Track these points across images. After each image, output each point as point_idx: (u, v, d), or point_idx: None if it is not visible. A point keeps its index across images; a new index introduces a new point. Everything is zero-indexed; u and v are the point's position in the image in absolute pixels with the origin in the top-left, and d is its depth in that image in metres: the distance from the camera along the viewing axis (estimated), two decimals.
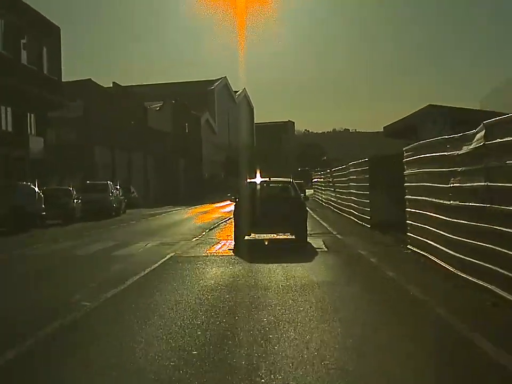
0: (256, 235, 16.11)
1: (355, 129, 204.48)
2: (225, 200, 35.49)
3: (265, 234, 16.18)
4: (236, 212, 15.32)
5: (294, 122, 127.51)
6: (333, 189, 29.85)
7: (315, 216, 26.53)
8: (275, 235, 16.49)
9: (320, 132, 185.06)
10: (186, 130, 63.17)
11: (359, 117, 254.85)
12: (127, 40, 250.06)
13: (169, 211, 36.19)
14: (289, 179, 17.82)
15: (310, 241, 15.62)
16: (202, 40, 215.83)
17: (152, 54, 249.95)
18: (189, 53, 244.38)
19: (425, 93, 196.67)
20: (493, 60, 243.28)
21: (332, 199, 30.68)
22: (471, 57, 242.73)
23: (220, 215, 30.38)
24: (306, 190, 67.86)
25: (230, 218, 22.36)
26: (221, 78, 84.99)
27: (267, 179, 17.19)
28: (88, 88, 39.14)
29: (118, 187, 32.95)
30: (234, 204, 15.85)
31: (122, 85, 47.88)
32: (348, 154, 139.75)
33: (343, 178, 26.68)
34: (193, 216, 31.00)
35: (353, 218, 22.84)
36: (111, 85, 45.72)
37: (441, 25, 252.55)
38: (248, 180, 18.14)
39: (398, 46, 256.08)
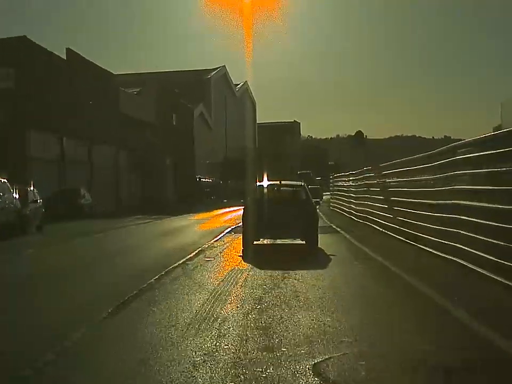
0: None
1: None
2: (224, 207, 32.62)
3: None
4: (244, 217, 14.57)
5: (299, 123, 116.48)
6: (382, 198, 18.44)
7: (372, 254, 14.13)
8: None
9: (324, 137, 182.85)
10: (174, 123, 51.98)
11: (364, 123, 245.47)
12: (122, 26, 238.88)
13: (133, 224, 25.24)
14: (301, 183, 16.79)
15: None
16: (208, 39, 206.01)
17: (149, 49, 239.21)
18: (192, 52, 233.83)
19: (431, 101, 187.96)
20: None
21: (376, 213, 19.32)
22: (481, 66, 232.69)
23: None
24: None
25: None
26: (219, 67, 73.92)
27: (277, 182, 16.42)
28: (24, 50, 27.98)
29: (33, 189, 21.44)
30: (243, 208, 15.38)
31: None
32: (354, 159, 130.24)
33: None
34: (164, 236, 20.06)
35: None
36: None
37: (450, 30, 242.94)
38: (258, 183, 17.28)
39: (405, 49, 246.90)
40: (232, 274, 10.32)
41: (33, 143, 28.60)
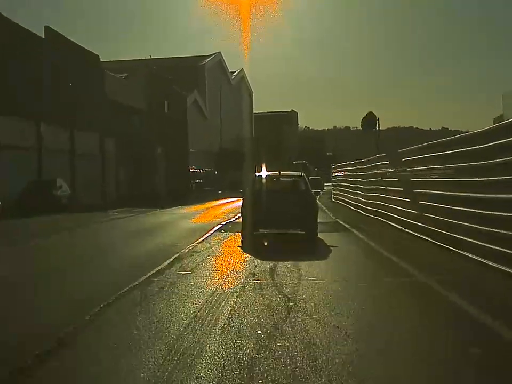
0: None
1: (356, 127, 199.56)
2: (219, 199, 31.17)
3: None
4: (243, 208, 14.52)
5: (297, 113, 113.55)
6: (401, 189, 15.52)
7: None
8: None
9: (321, 128, 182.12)
10: (166, 110, 49.06)
11: (361, 115, 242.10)
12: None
13: (112, 219, 22.51)
14: (300, 173, 16.43)
15: None
16: (205, 30, 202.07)
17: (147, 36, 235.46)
18: (188, 43, 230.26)
19: (428, 93, 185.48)
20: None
21: (393, 207, 16.44)
22: (480, 56, 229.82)
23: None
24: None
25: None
26: (214, 54, 70.91)
27: (276, 173, 16.00)
28: None
29: None
30: (242, 199, 15.14)
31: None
32: (352, 151, 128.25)
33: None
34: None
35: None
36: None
37: (448, 28, 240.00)
38: (257, 174, 16.42)
39: (404, 45, 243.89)
40: (212, 303, 7.00)
41: (1, 129, 25.60)
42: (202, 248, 12.68)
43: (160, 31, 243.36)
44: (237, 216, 23.10)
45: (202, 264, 10.34)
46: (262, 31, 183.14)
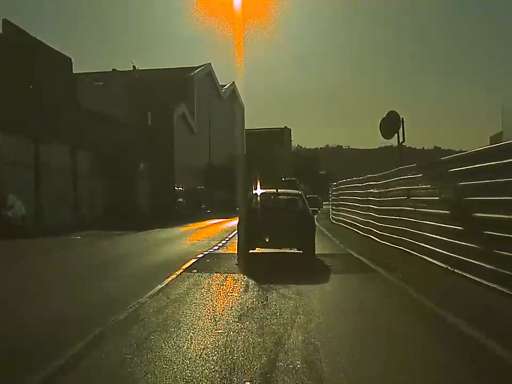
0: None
1: (348, 146, 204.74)
2: (207, 220, 29.97)
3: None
4: (240, 225, 14.58)
5: (290, 130, 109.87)
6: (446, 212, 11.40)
7: None
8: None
9: (313, 147, 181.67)
10: (149, 122, 45.06)
11: (353, 134, 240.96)
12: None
13: (58, 247, 18.37)
14: (298, 191, 16.79)
15: None
16: (196, 43, 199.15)
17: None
18: (179, 56, 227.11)
19: (421, 111, 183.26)
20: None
21: (436, 238, 12.21)
22: (472, 75, 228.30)
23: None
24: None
25: None
26: (204, 65, 67.16)
27: (274, 191, 16.17)
28: None
29: None
30: (239, 216, 15.33)
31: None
32: (344, 170, 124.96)
33: None
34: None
35: None
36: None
37: (444, 42, 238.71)
38: (253, 191, 16.18)
39: (396, 60, 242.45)
40: None
41: None
42: (154, 309, 8.02)
43: (147, 43, 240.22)
44: (222, 243, 19.20)
45: (143, 346, 5.95)
46: (255, 45, 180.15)
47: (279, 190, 16.19)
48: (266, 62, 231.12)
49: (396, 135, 16.03)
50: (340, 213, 30.20)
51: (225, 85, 75.44)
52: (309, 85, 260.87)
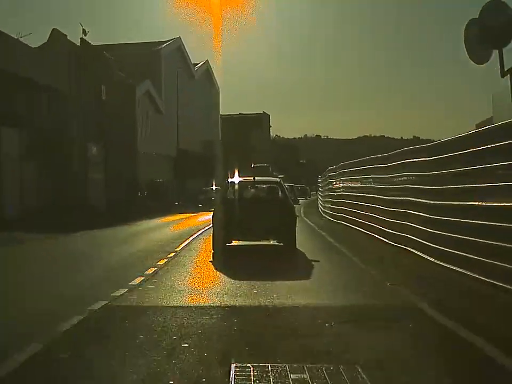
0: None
1: (327, 136, 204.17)
2: (174, 214, 27.40)
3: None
4: (214, 217, 13.78)
5: (269, 115, 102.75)
6: None
7: None
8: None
9: (291, 137, 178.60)
10: (103, 97, 37.68)
11: (331, 124, 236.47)
12: None
13: None
14: (277, 179, 16.18)
15: None
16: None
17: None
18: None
19: (400, 101, 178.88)
20: None
21: None
22: (454, 65, 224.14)
23: None
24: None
25: None
26: (173, 39, 59.74)
27: (251, 179, 15.22)
28: None
29: None
30: (215, 207, 14.54)
31: None
32: (324, 160, 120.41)
33: None
34: None
35: None
36: None
37: (419, 30, 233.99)
38: (229, 180, 15.49)
39: (375, 50, 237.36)
40: None
41: None
42: None
43: (110, 17, 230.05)
44: (177, 252, 14.04)
45: None
46: (232, 30, 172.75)
47: (256, 178, 15.25)
48: (243, 49, 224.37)
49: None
50: (337, 208, 23.31)
51: (197, 64, 68.04)
52: (287, 73, 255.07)
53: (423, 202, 10.60)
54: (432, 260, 10.10)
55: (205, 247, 14.54)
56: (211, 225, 14.01)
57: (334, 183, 23.82)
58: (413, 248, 11.47)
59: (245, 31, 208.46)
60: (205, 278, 10.13)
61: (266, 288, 8.71)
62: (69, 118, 32.09)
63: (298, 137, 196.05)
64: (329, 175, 26.17)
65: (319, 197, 38.01)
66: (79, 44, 35.19)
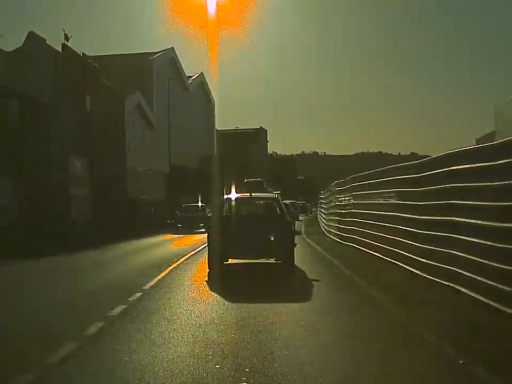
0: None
1: (324, 152, 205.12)
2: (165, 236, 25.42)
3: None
4: (210, 234, 13.45)
5: (266, 131, 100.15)
6: None
7: None
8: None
9: (289, 154, 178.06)
10: (88, 108, 34.94)
11: (329, 140, 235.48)
12: None
13: None
14: (274, 195, 15.62)
15: None
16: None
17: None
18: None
19: (397, 117, 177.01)
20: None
21: None
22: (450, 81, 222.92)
23: None
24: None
25: None
26: (165, 49, 57.19)
27: (247, 195, 14.94)
28: None
29: None
30: (211, 225, 14.09)
31: None
32: (321, 176, 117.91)
33: None
34: None
35: None
36: None
37: (425, 51, 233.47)
38: (225, 196, 16.13)
39: (373, 67, 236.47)
40: None
41: None
42: None
43: (99, 29, 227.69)
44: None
45: None
46: (228, 44, 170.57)
47: (253, 194, 14.96)
48: (239, 64, 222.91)
49: None
50: (346, 228, 20.37)
51: (192, 76, 65.49)
52: (284, 89, 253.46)
53: (478, 224, 7.75)
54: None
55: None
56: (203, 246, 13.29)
57: (342, 198, 21.00)
58: (464, 287, 8.45)
59: (241, 45, 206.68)
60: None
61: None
62: (49, 130, 29.34)
63: (296, 154, 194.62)
64: (336, 190, 23.36)
65: (321, 214, 35.22)
66: (60, 50, 32.54)
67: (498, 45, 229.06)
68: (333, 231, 24.07)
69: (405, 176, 11.35)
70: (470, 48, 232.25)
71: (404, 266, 11.70)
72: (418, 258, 10.59)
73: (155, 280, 11.82)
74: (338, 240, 21.66)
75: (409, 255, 11.20)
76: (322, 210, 33.81)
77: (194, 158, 62.25)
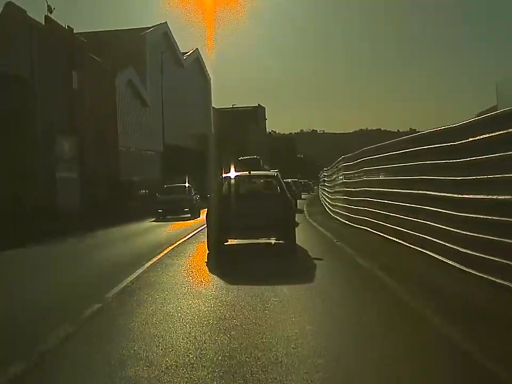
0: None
1: (323, 130, 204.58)
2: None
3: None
4: (209, 215, 12.99)
5: (264, 108, 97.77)
6: None
7: None
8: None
9: (287, 132, 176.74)
10: (75, 85, 32.83)
11: (327, 118, 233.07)
12: None
13: None
14: (274, 173, 15.60)
15: None
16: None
17: None
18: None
19: (396, 93, 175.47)
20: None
21: None
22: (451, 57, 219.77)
23: None
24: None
25: None
26: (158, 24, 54.79)
27: (246, 173, 14.24)
28: None
29: None
30: (209, 205, 13.80)
31: None
32: (321, 154, 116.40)
33: None
34: None
35: None
36: None
37: (415, 21, 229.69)
38: (224, 175, 14.94)
39: (370, 43, 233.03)
40: None
41: None
42: None
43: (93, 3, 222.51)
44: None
45: None
46: (225, 20, 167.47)
47: (252, 173, 14.24)
48: (236, 42, 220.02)
49: None
50: (355, 207, 18.42)
51: (187, 52, 63.06)
52: (282, 67, 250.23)
53: None
54: None
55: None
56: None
57: (352, 175, 18.97)
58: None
59: (239, 22, 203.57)
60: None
61: None
62: (31, 108, 27.29)
63: (294, 132, 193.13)
64: (343, 166, 21.35)
65: (324, 193, 33.32)
66: (43, 23, 30.35)
67: (499, 21, 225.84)
68: (340, 211, 22.16)
69: (443, 145, 9.15)
70: (471, 24, 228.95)
71: (436, 256, 9.72)
72: (459, 248, 8.55)
73: (114, 291, 9.91)
74: (346, 222, 19.74)
75: (445, 243, 9.21)
76: (326, 189, 31.87)
77: (190, 136, 60.09)
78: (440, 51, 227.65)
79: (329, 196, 27.90)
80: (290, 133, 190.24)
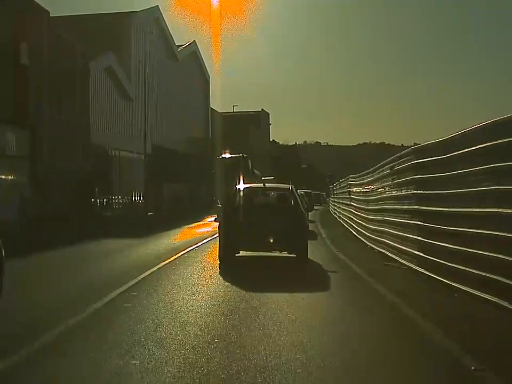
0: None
1: (326, 142, 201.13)
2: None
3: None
4: (221, 226, 13.17)
5: (268, 114, 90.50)
6: None
7: None
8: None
9: (291, 144, 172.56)
10: (24, 60, 25.54)
11: (331, 130, 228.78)
12: None
13: None
14: (288, 186, 14.67)
15: None
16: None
17: None
18: None
19: (400, 108, 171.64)
20: None
21: None
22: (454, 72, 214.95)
23: None
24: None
25: None
26: (148, 8, 47.56)
27: (260, 185, 15.22)
28: None
29: None
30: (221, 216, 13.82)
31: None
32: (324, 166, 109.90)
33: None
34: None
35: None
36: None
37: (421, 36, 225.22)
38: (237, 187, 14.81)
39: (376, 57, 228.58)
40: None
41: None
42: None
43: None
44: None
45: None
46: (232, 38, 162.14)
47: (266, 185, 14.99)
48: (243, 59, 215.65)
49: None
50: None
51: (183, 45, 55.80)
52: (286, 79, 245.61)
53: None
54: None
55: None
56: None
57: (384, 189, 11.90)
58: None
59: (242, 30, 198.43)
60: None
61: None
62: None
63: (298, 144, 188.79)
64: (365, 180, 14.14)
65: (343, 208, 25.97)
66: None
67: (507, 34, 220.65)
68: (386, 242, 14.55)
69: None
70: (475, 33, 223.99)
71: None
72: None
73: None
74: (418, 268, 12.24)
75: None
76: (340, 206, 24.46)
77: (184, 140, 52.86)
78: (446, 67, 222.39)
79: (358, 214, 20.26)
80: (293, 144, 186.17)
